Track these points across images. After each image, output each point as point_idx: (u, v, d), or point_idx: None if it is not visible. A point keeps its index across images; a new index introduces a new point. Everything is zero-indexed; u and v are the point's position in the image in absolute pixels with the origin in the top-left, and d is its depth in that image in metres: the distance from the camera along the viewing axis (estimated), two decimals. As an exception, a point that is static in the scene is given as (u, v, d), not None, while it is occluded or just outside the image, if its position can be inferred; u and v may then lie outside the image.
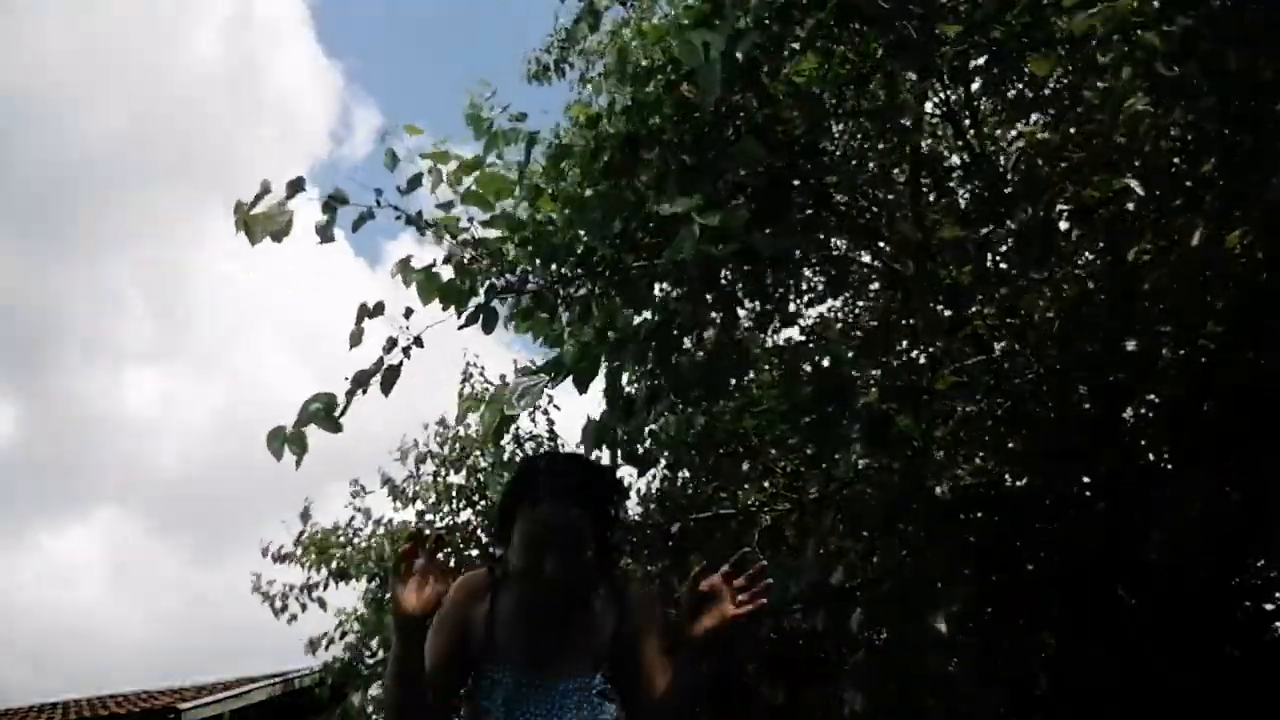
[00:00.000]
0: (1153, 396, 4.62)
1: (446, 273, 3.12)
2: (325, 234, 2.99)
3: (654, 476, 5.67)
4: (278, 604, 8.35)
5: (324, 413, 2.79)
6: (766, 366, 4.68)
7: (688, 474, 5.41)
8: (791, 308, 5.56)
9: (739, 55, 2.87)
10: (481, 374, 8.44)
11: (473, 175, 3.12)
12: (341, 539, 8.35)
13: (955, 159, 5.33)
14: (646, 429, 3.92)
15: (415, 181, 3.15)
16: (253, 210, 2.87)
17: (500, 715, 1.71)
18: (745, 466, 3.85)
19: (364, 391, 2.93)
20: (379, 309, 3.01)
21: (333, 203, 3.04)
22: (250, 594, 8.44)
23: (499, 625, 1.80)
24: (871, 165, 4.34)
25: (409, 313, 3.07)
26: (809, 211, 3.44)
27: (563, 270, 3.23)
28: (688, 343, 3.39)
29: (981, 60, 3.85)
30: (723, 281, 3.14)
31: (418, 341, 3.07)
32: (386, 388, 2.98)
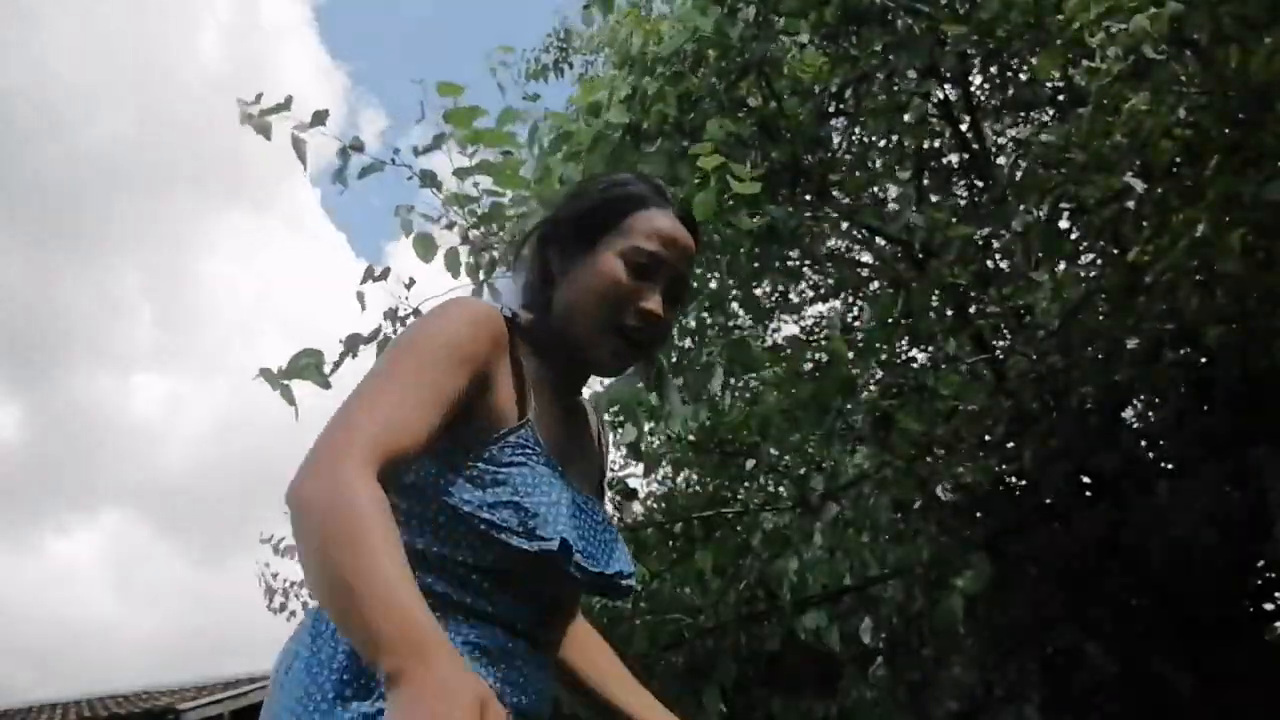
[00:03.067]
0: (1154, 396, 4.64)
1: (450, 239, 3.10)
2: (339, 179, 2.99)
3: (658, 476, 5.69)
4: (277, 600, 8.32)
5: (314, 368, 2.76)
6: (768, 365, 4.69)
7: (691, 473, 5.43)
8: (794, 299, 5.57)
9: (732, 35, 2.86)
10: None
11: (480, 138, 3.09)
12: None
13: (954, 158, 5.35)
14: (649, 428, 3.92)
15: (439, 140, 3.09)
16: (267, 114, 2.83)
17: (567, 530, 1.11)
18: (749, 465, 3.85)
19: (354, 355, 2.92)
20: (384, 274, 3.01)
21: (348, 150, 3.03)
22: (254, 587, 8.44)
23: (529, 392, 1.19)
24: (874, 162, 4.35)
25: (410, 284, 3.08)
26: (809, 213, 3.45)
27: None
28: (690, 342, 3.40)
29: (981, 60, 3.87)
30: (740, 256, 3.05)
31: (417, 313, 3.08)
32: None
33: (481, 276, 3.07)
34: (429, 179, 3.12)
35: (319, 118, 2.89)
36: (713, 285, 3.30)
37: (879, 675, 4.62)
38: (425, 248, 3.01)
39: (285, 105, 2.85)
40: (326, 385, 2.78)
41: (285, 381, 2.73)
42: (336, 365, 2.84)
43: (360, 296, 2.97)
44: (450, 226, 3.12)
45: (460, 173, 3.06)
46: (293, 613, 8.32)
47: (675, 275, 1.24)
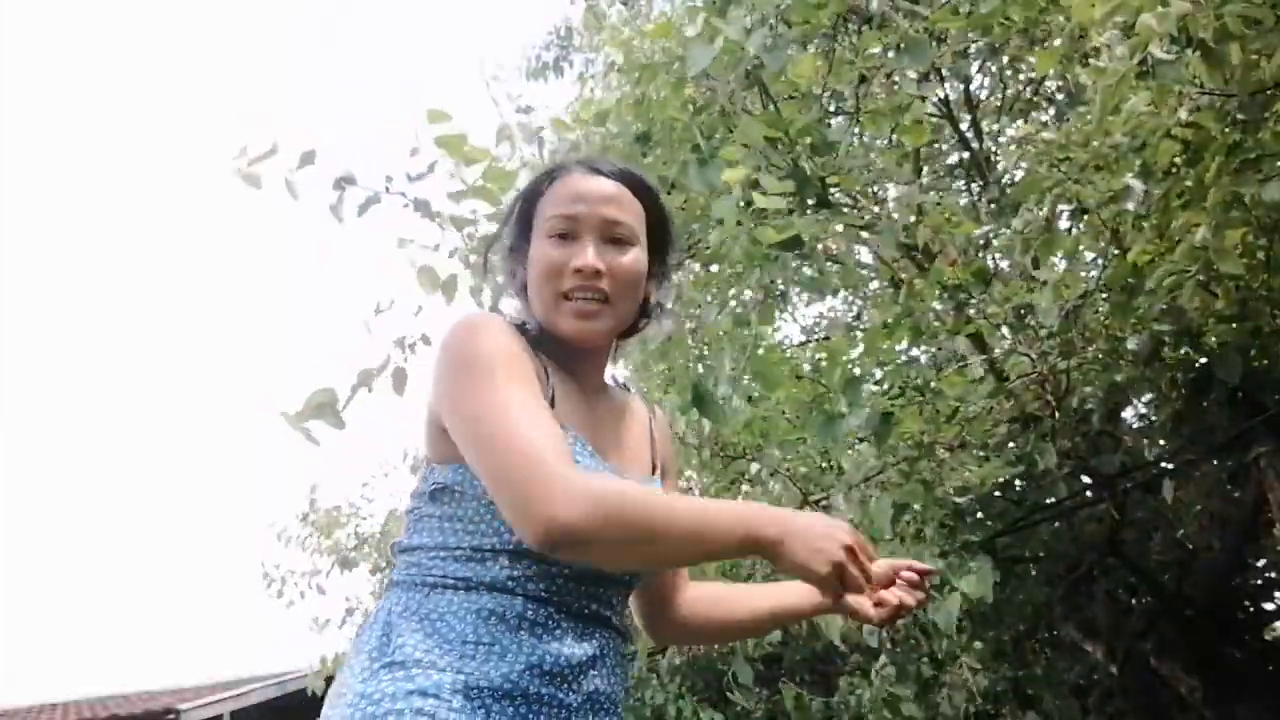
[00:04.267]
0: (1154, 396, 4.63)
1: (450, 265, 3.10)
2: (337, 214, 2.97)
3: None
4: (276, 588, 8.34)
5: (329, 409, 2.76)
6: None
7: (694, 476, 5.43)
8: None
9: (750, 49, 2.85)
10: None
11: (480, 168, 3.09)
12: (345, 520, 8.32)
13: (955, 158, 5.35)
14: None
15: (431, 167, 3.09)
16: (256, 163, 2.82)
17: None
18: (753, 469, 3.85)
19: (369, 389, 2.92)
20: (390, 304, 3.01)
21: (341, 184, 3.01)
22: (255, 588, 8.49)
23: (549, 382, 1.25)
24: (876, 161, 4.35)
25: (418, 311, 3.08)
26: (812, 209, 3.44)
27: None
28: (691, 341, 3.39)
29: (981, 59, 3.87)
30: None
31: (424, 339, 3.08)
32: (398, 387, 2.98)
33: (486, 299, 3.07)
34: (424, 207, 3.12)
35: (307, 158, 2.88)
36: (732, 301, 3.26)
37: (884, 673, 4.62)
38: (430, 282, 3.01)
39: (272, 152, 2.84)
40: (340, 425, 2.78)
41: (304, 424, 2.74)
42: (347, 402, 2.83)
43: (367, 326, 2.97)
44: (452, 253, 3.13)
45: (454, 196, 3.06)
46: (291, 602, 8.34)
47: (602, 220, 1.26)
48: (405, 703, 1.07)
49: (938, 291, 3.41)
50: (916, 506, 3.33)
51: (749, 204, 2.48)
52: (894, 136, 4.03)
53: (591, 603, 1.21)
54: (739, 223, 2.52)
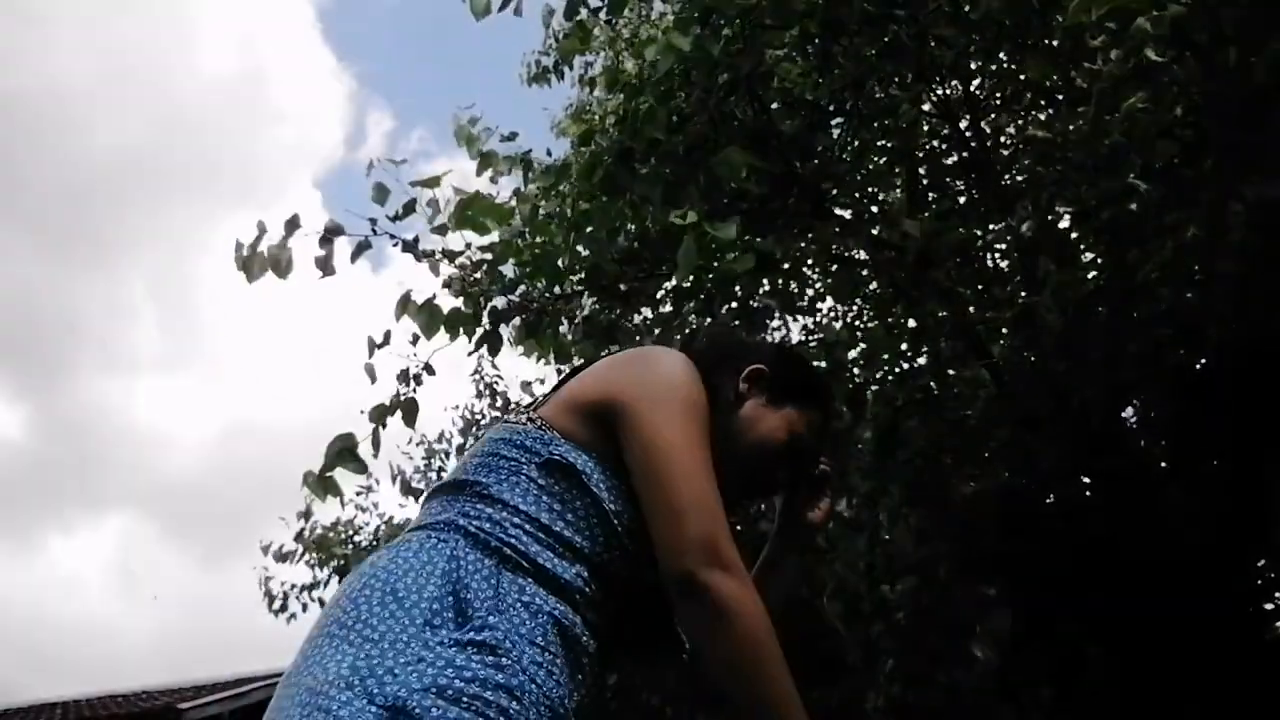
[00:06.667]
0: (1154, 397, 4.62)
1: (446, 298, 3.13)
2: (325, 267, 3.00)
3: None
4: (277, 604, 8.38)
5: (349, 454, 2.82)
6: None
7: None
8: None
9: (714, 53, 2.85)
10: (495, 367, 8.80)
11: (471, 208, 3.12)
12: (342, 536, 8.39)
13: (954, 158, 5.33)
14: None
15: (409, 208, 3.14)
16: (253, 250, 2.92)
17: None
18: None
19: (384, 425, 2.98)
20: (386, 340, 3.06)
21: (330, 235, 3.04)
22: (255, 589, 8.52)
23: None
24: (870, 165, 4.33)
25: (415, 340, 3.11)
26: (807, 215, 3.43)
27: (564, 288, 3.25)
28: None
29: (980, 59, 3.85)
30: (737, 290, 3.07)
31: (428, 369, 3.12)
32: (410, 420, 3.04)
33: (485, 326, 3.10)
34: (412, 247, 3.16)
35: (292, 225, 2.95)
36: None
37: (888, 672, 4.62)
38: (430, 323, 3.04)
39: (262, 230, 2.94)
40: (363, 470, 2.84)
41: (328, 474, 2.78)
42: (375, 444, 2.89)
43: (370, 370, 3.03)
44: (447, 285, 3.16)
45: (438, 230, 3.11)
46: (293, 615, 8.36)
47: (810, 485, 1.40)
48: (494, 695, 0.97)
49: (937, 295, 3.40)
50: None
51: (704, 235, 2.53)
52: (888, 141, 4.02)
53: (598, 650, 1.16)
54: (700, 265, 2.57)
